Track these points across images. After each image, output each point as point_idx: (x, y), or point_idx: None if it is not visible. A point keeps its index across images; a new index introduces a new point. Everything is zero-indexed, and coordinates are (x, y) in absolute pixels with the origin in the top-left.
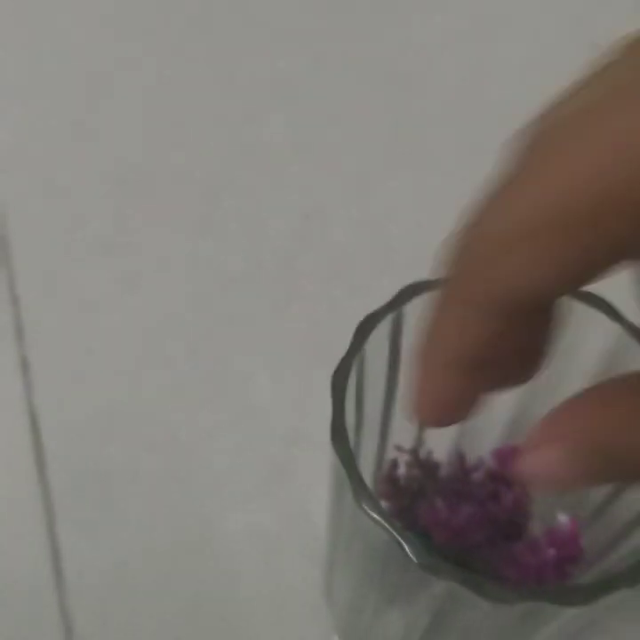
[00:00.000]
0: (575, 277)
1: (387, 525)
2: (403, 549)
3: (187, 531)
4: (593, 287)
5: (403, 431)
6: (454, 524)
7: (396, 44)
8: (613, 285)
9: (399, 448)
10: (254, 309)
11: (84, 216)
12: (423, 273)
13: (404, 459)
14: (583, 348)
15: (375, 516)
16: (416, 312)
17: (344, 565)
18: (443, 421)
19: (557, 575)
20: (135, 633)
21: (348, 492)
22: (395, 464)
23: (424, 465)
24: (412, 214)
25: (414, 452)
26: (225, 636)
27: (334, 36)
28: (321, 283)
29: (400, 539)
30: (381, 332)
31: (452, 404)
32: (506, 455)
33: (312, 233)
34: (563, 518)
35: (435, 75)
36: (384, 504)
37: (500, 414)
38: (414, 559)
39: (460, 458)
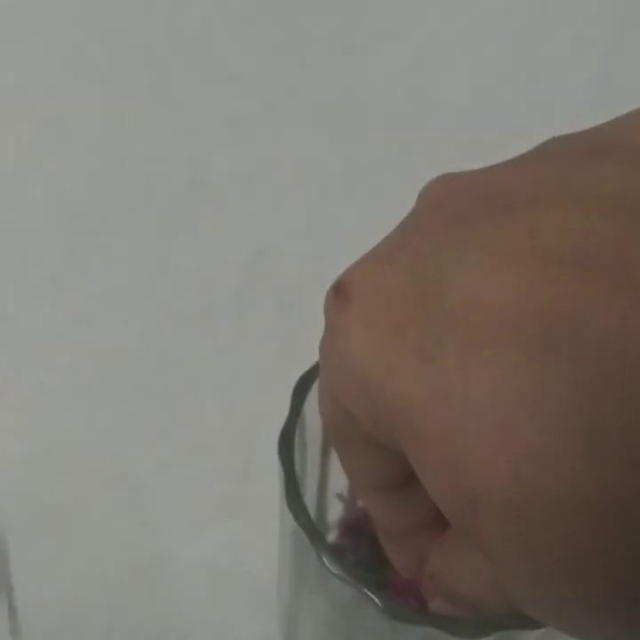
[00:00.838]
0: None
1: (352, 580)
2: (376, 604)
3: (138, 565)
4: None
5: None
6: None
7: (344, 82)
8: None
9: (340, 497)
10: (206, 345)
11: (34, 255)
12: None
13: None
14: None
15: (339, 572)
16: None
17: (309, 617)
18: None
19: None
20: None
21: (310, 553)
22: (353, 514)
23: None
24: (362, 248)
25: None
26: None
27: (284, 74)
28: (272, 319)
29: (372, 596)
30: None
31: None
32: None
33: (264, 269)
34: None
35: (381, 110)
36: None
37: None
38: (387, 613)
39: None
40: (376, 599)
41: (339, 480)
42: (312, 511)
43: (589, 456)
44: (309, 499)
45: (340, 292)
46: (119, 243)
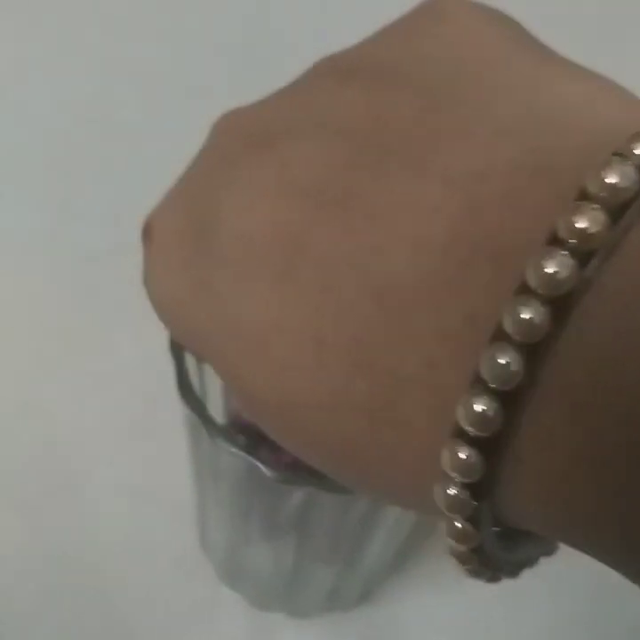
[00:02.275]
0: None
1: (242, 453)
2: (260, 471)
3: (55, 490)
4: None
5: None
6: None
7: None
8: None
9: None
10: (115, 279)
11: None
12: None
13: None
14: None
15: (232, 448)
16: None
17: (214, 508)
18: None
19: None
20: (4, 585)
21: (203, 435)
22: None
23: None
24: None
25: None
26: (98, 587)
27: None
28: None
29: (256, 462)
30: None
31: None
32: None
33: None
34: None
35: None
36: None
37: None
38: (271, 476)
39: None
40: (262, 467)
41: None
42: (219, 407)
43: (318, 363)
44: (215, 395)
45: (144, 233)
46: (33, 184)
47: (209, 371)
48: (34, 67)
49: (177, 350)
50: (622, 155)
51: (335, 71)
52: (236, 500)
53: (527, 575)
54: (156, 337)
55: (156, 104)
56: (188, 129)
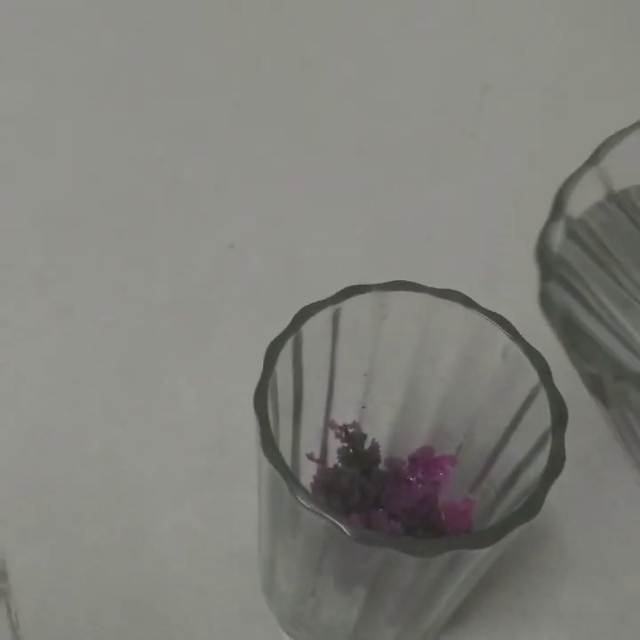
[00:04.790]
0: None
1: (322, 512)
2: (341, 530)
3: (122, 536)
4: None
5: (311, 440)
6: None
7: (304, 91)
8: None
9: (332, 425)
10: (181, 333)
11: (17, 253)
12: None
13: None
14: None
15: (313, 506)
16: (311, 333)
17: (286, 558)
18: None
19: None
20: (75, 631)
21: (285, 492)
22: (325, 472)
23: (352, 437)
24: (322, 243)
25: (345, 427)
26: (162, 631)
27: (250, 85)
28: (240, 307)
29: (336, 521)
30: (286, 352)
31: None
32: (421, 457)
33: (234, 262)
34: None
35: (338, 117)
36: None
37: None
38: (351, 535)
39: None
40: (342, 525)
41: (309, 443)
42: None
43: None
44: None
45: None
46: (98, 241)
47: (281, 431)
48: (114, 133)
49: (261, 408)
50: None
51: None
52: (309, 554)
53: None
54: (219, 389)
55: (220, 168)
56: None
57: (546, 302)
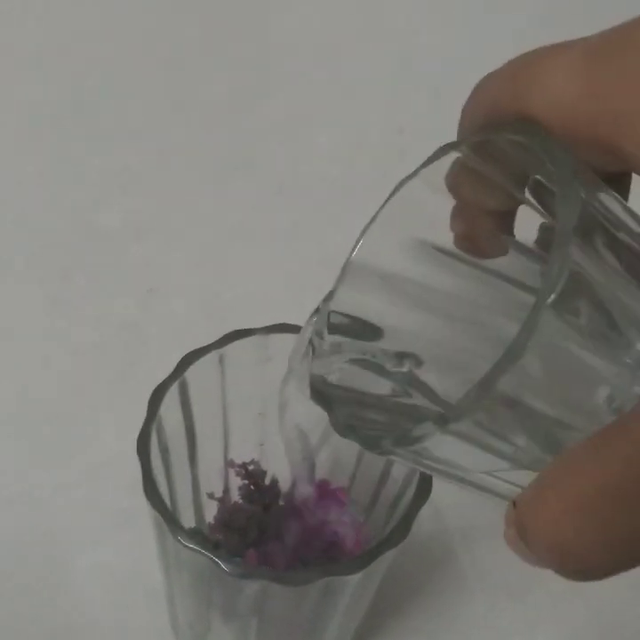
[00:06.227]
0: None
1: (201, 549)
2: (217, 565)
3: (42, 573)
4: None
5: (211, 477)
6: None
7: (229, 134)
8: None
9: (231, 464)
10: (103, 375)
11: None
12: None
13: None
14: None
15: (191, 545)
16: (197, 377)
17: (180, 595)
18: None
19: None
20: None
21: (166, 532)
22: (225, 507)
23: (252, 474)
24: (243, 286)
25: (244, 465)
26: None
27: (174, 131)
28: (163, 348)
29: (213, 557)
30: (172, 396)
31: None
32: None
33: (155, 305)
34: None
35: (261, 158)
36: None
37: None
38: (227, 570)
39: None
40: (219, 561)
41: (210, 482)
42: (190, 512)
43: None
44: (184, 501)
45: None
46: (22, 286)
47: (177, 472)
48: (36, 178)
49: (144, 452)
50: None
51: None
52: (198, 590)
53: None
54: (139, 429)
55: (142, 214)
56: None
57: None
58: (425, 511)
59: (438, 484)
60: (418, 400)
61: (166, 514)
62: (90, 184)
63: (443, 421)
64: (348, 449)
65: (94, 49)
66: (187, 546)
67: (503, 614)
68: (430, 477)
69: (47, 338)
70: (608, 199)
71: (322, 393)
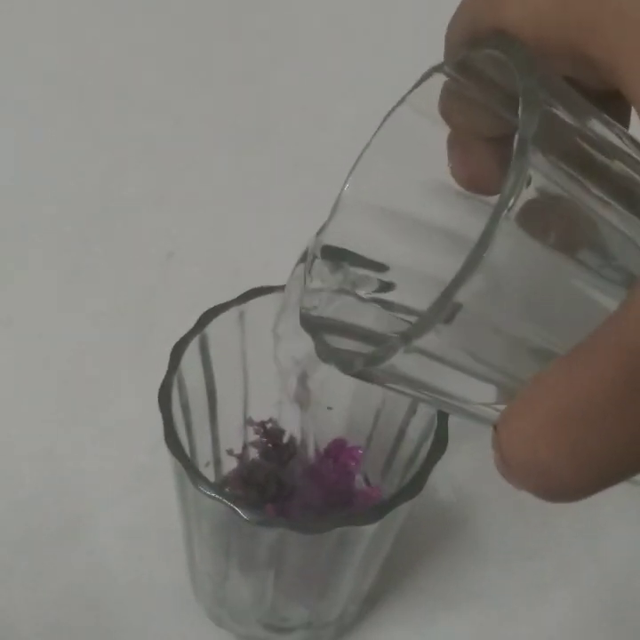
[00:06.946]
0: None
1: (221, 498)
2: (236, 513)
3: (62, 528)
4: None
5: (233, 435)
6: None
7: (246, 103)
8: None
9: (250, 422)
10: (124, 337)
11: None
12: None
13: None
14: None
15: (211, 493)
16: (218, 333)
17: (199, 547)
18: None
19: None
20: (12, 620)
21: (187, 482)
22: (244, 463)
23: (270, 433)
24: (261, 250)
25: (262, 424)
26: (99, 623)
27: (192, 99)
28: (180, 313)
29: (233, 505)
30: (192, 352)
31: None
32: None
33: (173, 270)
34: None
35: (277, 129)
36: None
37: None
38: (246, 518)
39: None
40: (237, 509)
41: (230, 438)
42: (210, 469)
43: None
44: (204, 457)
45: None
46: (41, 252)
47: (197, 429)
48: (57, 146)
49: (165, 404)
50: None
51: None
52: (216, 540)
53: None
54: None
55: (160, 181)
56: None
57: None
58: (440, 477)
59: (453, 450)
60: (398, 326)
61: (187, 463)
62: (109, 152)
63: (405, 338)
64: (361, 405)
65: (114, 20)
66: (207, 494)
67: (515, 576)
68: (446, 434)
69: (68, 302)
70: (599, 126)
71: (309, 322)
